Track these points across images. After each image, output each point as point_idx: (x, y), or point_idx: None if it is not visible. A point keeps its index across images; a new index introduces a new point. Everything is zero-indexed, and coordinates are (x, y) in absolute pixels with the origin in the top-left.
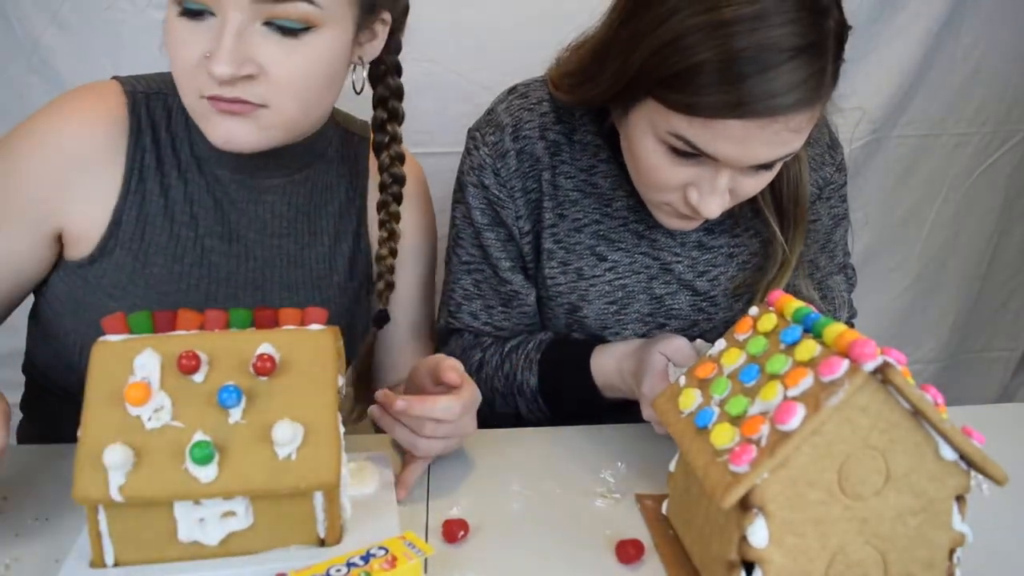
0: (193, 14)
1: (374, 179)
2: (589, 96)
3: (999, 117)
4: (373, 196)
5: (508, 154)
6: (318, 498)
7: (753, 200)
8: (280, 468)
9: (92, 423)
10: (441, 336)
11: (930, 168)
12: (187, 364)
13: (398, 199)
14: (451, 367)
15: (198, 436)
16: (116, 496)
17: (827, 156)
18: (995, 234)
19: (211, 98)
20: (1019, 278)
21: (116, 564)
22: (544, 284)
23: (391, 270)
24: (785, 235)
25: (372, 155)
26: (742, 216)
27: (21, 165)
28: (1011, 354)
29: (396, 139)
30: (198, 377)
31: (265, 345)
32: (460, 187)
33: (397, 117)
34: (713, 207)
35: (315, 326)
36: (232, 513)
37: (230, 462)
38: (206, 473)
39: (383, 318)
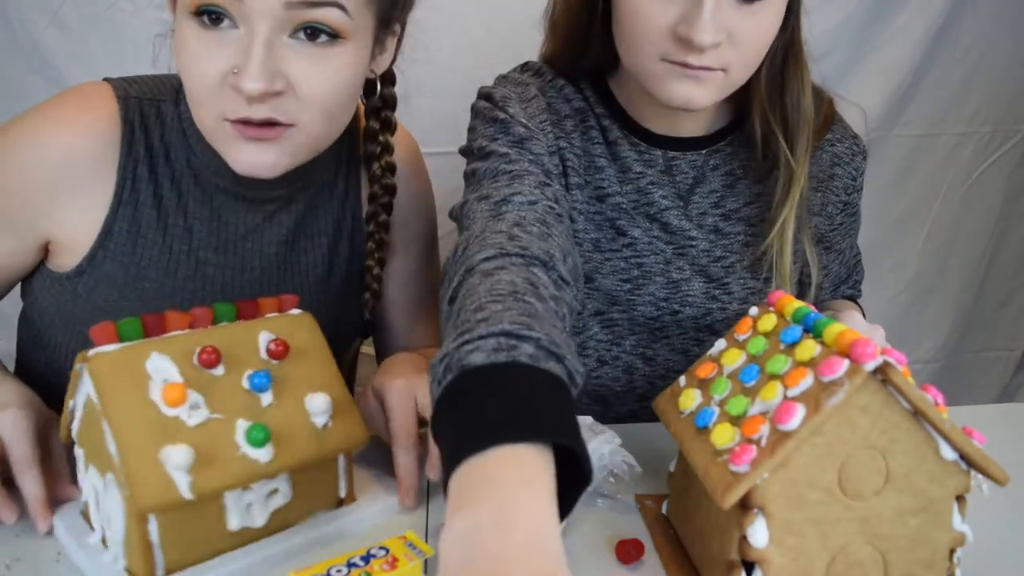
0: (213, 18)
1: (365, 168)
2: (582, 22)
3: (998, 117)
4: (366, 186)
5: (534, 99)
6: (342, 461)
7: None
8: (320, 437)
9: (126, 432)
10: None
11: (929, 168)
12: (207, 359)
13: (388, 209)
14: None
15: (242, 423)
16: (187, 494)
17: (854, 147)
18: (994, 234)
19: (238, 122)
20: (1019, 278)
21: (168, 573)
22: None
23: (378, 280)
24: (791, 146)
25: (361, 142)
26: (760, 202)
27: (5, 171)
28: (1011, 354)
29: (388, 149)
30: (218, 370)
31: (264, 333)
32: (470, 132)
33: (390, 127)
34: (706, 31)
35: (294, 311)
36: (276, 491)
37: (279, 440)
38: (264, 454)
39: (369, 328)
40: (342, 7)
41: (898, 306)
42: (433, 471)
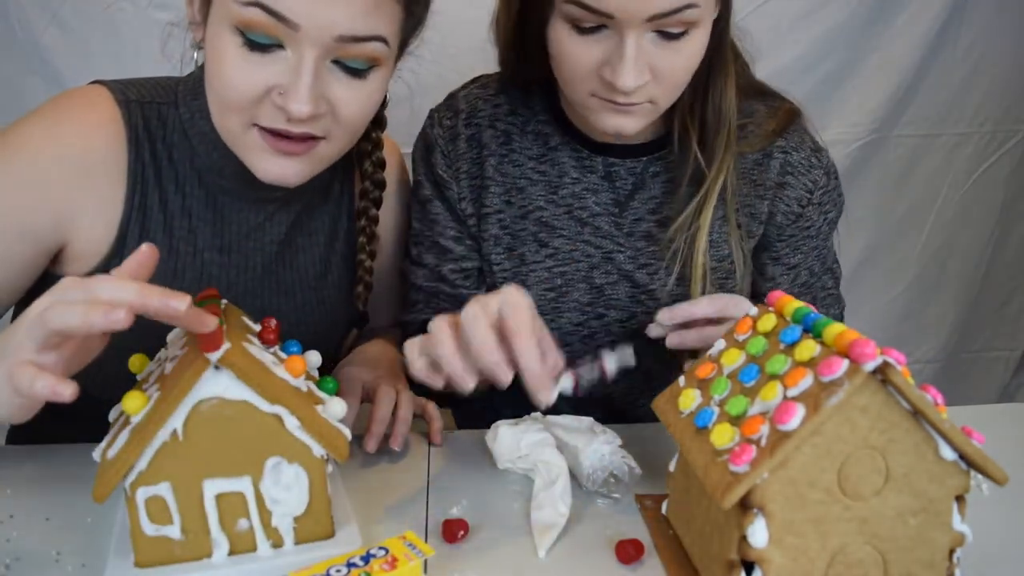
0: (260, 47)
1: (357, 164)
2: (515, 47)
3: (998, 117)
4: (358, 183)
5: (459, 138)
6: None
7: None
8: None
9: (289, 399)
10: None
11: (930, 168)
12: (267, 336)
13: (378, 204)
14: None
15: (305, 381)
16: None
17: (813, 159)
18: (994, 234)
19: (272, 132)
20: (1019, 278)
21: None
22: (490, 270)
23: (370, 272)
24: (705, 153)
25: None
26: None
27: (21, 172)
28: (1011, 354)
29: (379, 146)
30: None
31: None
32: (412, 162)
33: (381, 124)
34: (628, 77)
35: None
36: None
37: None
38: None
39: (364, 319)
40: (384, 40)
41: (898, 306)
42: (437, 436)
